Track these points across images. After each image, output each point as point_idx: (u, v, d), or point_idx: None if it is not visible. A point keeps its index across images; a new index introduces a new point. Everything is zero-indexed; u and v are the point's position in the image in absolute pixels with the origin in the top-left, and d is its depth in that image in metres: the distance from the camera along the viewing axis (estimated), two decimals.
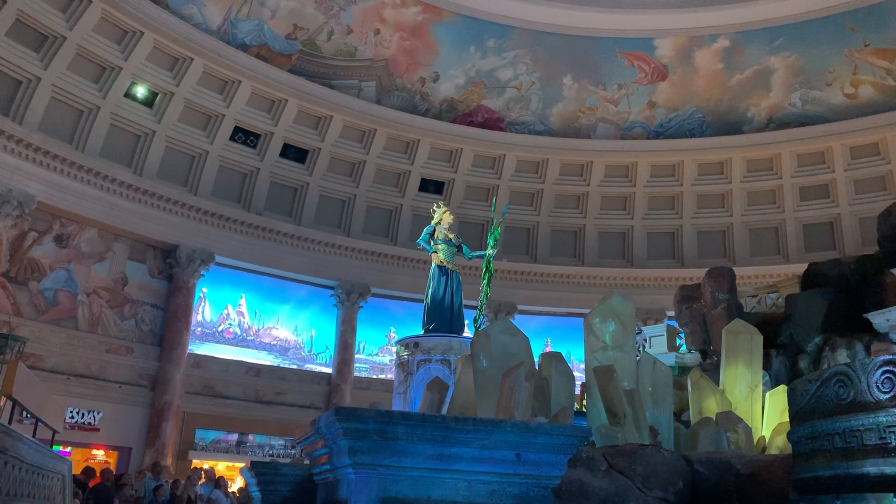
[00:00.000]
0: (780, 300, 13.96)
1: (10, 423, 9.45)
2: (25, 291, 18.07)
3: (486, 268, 14.39)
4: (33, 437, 10.48)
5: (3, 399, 10.60)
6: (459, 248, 14.52)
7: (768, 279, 20.09)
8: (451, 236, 14.47)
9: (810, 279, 12.84)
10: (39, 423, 12.52)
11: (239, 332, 22.18)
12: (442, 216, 14.63)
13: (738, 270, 14.80)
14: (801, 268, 14.03)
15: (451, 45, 23.40)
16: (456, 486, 3.66)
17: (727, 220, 25.08)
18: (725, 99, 24.34)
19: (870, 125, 22.96)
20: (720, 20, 23.07)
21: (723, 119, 24.49)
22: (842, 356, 10.67)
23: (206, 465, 17.42)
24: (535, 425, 3.89)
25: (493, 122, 24.56)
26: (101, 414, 18.53)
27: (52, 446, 12.77)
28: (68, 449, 16.76)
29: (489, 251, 14.30)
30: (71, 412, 17.78)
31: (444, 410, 7.84)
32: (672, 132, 24.84)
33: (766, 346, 9.08)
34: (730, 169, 24.79)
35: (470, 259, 15.13)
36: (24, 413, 12.00)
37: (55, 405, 14.41)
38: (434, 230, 14.51)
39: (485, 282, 14.32)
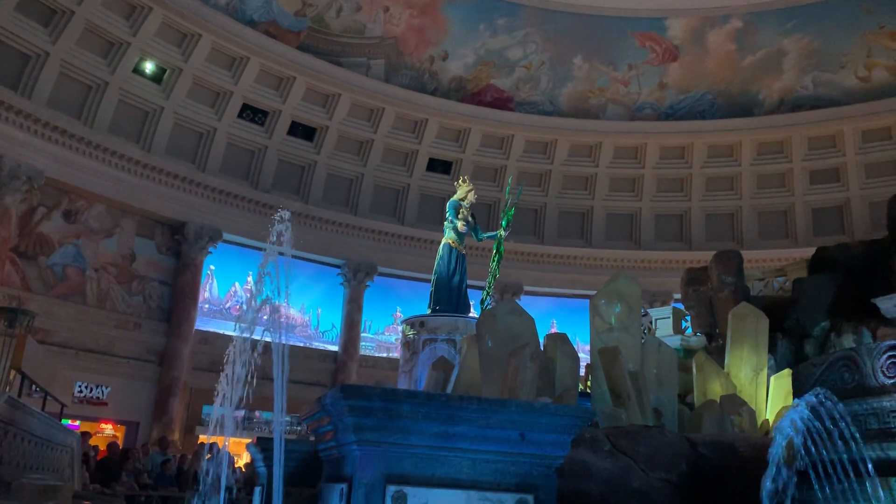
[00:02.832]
0: (787, 284, 13.91)
1: (19, 396, 9.55)
2: (34, 266, 18.17)
3: (497, 249, 14.34)
4: (42, 410, 10.59)
5: (13, 373, 10.70)
6: (474, 229, 14.48)
7: (776, 263, 20.00)
8: (470, 217, 14.39)
9: (818, 263, 12.78)
10: (48, 397, 12.64)
11: (246, 310, 22.28)
12: (467, 194, 14.49)
13: (745, 254, 14.74)
14: (810, 252, 13.95)
15: (460, 23, 23.22)
16: (460, 464, 3.68)
17: (736, 202, 24.95)
18: (737, 81, 24.12)
19: (883, 109, 22.73)
20: (733, 0, 22.81)
21: (734, 101, 24.29)
22: (848, 341, 10.65)
23: (212, 441, 17.57)
24: (539, 405, 3.91)
25: (501, 102, 24.42)
26: (109, 388, 18.71)
27: (60, 420, 12.90)
28: (77, 423, 16.94)
29: (501, 232, 14.26)
30: (79, 386, 17.96)
31: (449, 389, 7.88)
32: (682, 114, 24.65)
33: (773, 329, 9.08)
34: (740, 151, 24.62)
35: (481, 240, 15.07)
36: (33, 387, 12.12)
37: (63, 379, 14.56)
38: (459, 206, 14.38)
39: (494, 263, 14.28)
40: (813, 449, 3.78)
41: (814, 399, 3.88)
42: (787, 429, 3.83)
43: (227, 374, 4.46)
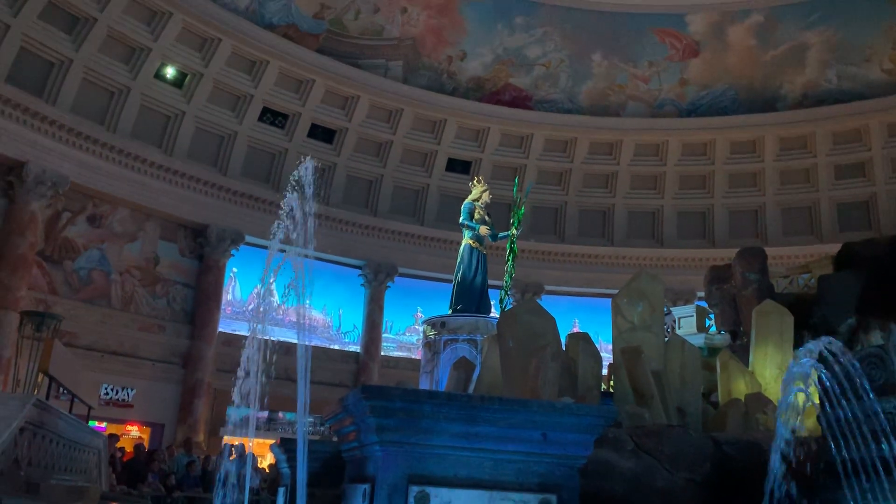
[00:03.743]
0: (812, 281, 13.71)
1: (47, 399, 9.69)
2: (60, 270, 18.43)
3: (511, 248, 14.33)
4: (69, 413, 10.73)
5: (41, 376, 10.86)
6: (490, 228, 14.46)
7: (801, 259, 19.76)
8: (486, 217, 14.38)
9: (844, 259, 12.58)
10: (75, 400, 12.82)
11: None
12: (482, 194, 14.49)
13: (770, 250, 14.57)
14: (835, 248, 13.73)
15: (478, 22, 23.19)
16: (482, 464, 3.68)
17: (759, 199, 24.68)
18: (759, 76, 23.85)
19: None
20: None
21: (756, 96, 24.02)
22: (876, 338, 10.47)
23: (237, 442, 17.71)
24: (561, 405, 3.89)
25: (520, 101, 24.36)
26: (134, 391, 18.92)
27: (87, 422, 13.08)
28: (103, 424, 17.15)
29: (513, 231, 14.24)
30: (105, 389, 18.20)
31: (471, 390, 7.88)
32: (704, 110, 24.44)
33: (798, 327, 8.94)
34: (763, 147, 24.35)
35: (496, 241, 15.07)
36: (61, 389, 12.30)
37: (90, 382, 14.76)
38: (474, 207, 14.37)
39: (509, 262, 14.27)
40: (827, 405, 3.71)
41: (822, 346, 3.81)
42: (795, 390, 3.76)
43: (241, 376, 4.51)
